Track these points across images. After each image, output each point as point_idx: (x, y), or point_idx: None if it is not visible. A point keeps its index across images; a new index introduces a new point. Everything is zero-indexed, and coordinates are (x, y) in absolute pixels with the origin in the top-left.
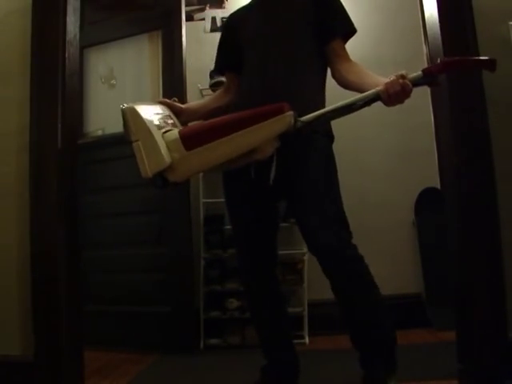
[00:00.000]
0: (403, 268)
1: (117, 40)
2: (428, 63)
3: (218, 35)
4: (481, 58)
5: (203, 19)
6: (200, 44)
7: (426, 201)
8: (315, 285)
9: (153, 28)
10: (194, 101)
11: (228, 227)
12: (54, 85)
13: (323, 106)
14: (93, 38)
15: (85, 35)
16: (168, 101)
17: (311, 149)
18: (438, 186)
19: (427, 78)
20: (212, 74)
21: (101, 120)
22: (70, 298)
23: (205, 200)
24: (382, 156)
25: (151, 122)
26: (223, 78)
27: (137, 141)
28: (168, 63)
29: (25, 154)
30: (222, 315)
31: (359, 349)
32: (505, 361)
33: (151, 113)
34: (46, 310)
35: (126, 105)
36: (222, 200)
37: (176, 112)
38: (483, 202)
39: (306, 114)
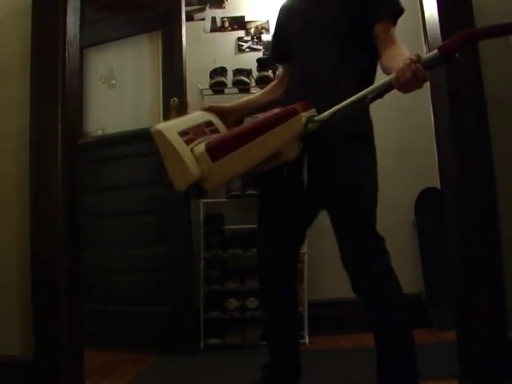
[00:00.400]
0: (403, 268)
1: (117, 40)
2: None
3: (218, 35)
4: (501, 23)
5: (203, 19)
6: (200, 44)
7: (426, 201)
8: (315, 285)
9: (153, 28)
10: (194, 101)
11: (228, 227)
12: (54, 85)
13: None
14: (93, 38)
15: (85, 35)
16: (213, 105)
17: (336, 158)
18: (438, 186)
19: (444, 57)
20: (212, 74)
21: (101, 120)
22: (69, 298)
23: (205, 200)
24: (382, 156)
25: (177, 139)
26: (223, 78)
27: (165, 159)
28: (168, 63)
29: (25, 153)
30: (221, 315)
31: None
32: (505, 361)
33: (182, 127)
34: (46, 310)
35: (154, 127)
36: (222, 200)
37: (225, 113)
38: (483, 202)
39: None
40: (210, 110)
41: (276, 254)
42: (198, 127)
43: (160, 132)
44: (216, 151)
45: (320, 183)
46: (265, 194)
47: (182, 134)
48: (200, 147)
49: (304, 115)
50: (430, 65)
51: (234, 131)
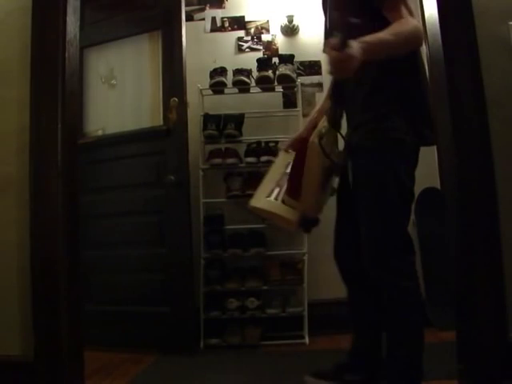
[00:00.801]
0: None
1: (117, 40)
2: (428, 63)
3: (218, 35)
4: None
5: (203, 19)
6: (200, 44)
7: (426, 201)
8: (315, 285)
9: (153, 28)
10: (194, 101)
11: (228, 227)
12: (54, 85)
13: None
14: (93, 38)
15: (85, 35)
16: (294, 141)
17: (357, 167)
18: (438, 186)
19: (342, 32)
20: (212, 74)
21: (101, 120)
22: (69, 298)
23: (205, 200)
24: None
25: (269, 203)
26: (223, 78)
27: (270, 219)
28: (168, 63)
29: (25, 153)
30: (221, 315)
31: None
32: (505, 361)
33: (268, 187)
34: (46, 310)
35: (249, 204)
36: (222, 200)
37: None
38: (483, 201)
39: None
40: (293, 147)
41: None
42: (281, 179)
43: (254, 207)
44: (293, 194)
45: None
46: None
47: (270, 194)
48: (284, 196)
49: (314, 137)
50: (341, 45)
51: (289, 178)
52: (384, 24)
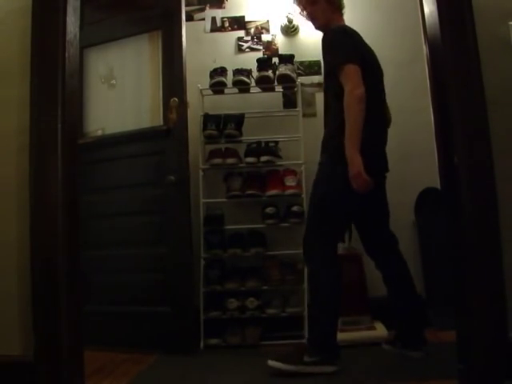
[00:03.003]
0: None
1: (117, 40)
2: (428, 63)
3: (218, 35)
4: None
5: (203, 19)
6: (200, 44)
7: (426, 201)
8: None
9: (153, 28)
10: (194, 100)
11: (228, 227)
12: (54, 85)
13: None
14: (93, 38)
15: (85, 35)
16: None
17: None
18: (438, 186)
19: None
20: (212, 74)
21: (101, 120)
22: (69, 298)
23: (205, 200)
24: None
25: None
26: (223, 78)
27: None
28: (168, 63)
29: (25, 154)
30: (221, 315)
31: None
32: (505, 361)
33: None
34: (46, 310)
35: None
36: (222, 200)
37: None
38: (483, 201)
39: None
40: None
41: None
42: None
43: None
44: None
45: None
46: None
47: None
48: None
49: None
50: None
51: None
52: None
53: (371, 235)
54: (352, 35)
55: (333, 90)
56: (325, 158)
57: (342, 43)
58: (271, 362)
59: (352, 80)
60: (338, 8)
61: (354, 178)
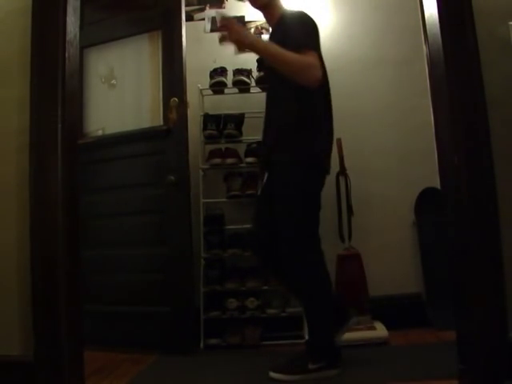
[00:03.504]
0: (403, 268)
1: (117, 40)
2: (428, 63)
3: (218, 35)
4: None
5: (203, 19)
6: (200, 44)
7: (426, 201)
8: None
9: (153, 28)
10: (194, 100)
11: (228, 227)
12: (54, 85)
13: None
14: (93, 38)
15: (85, 35)
16: None
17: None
18: (438, 186)
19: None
20: (212, 74)
21: (101, 120)
22: (70, 298)
23: (205, 200)
24: (383, 156)
25: None
26: (223, 78)
27: None
28: (168, 63)
29: (25, 153)
30: (221, 315)
31: None
32: (505, 361)
33: None
34: (45, 311)
35: None
36: (222, 200)
37: None
38: (483, 201)
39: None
40: None
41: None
42: None
43: None
44: None
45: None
46: None
47: None
48: None
49: None
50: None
51: None
52: None
53: None
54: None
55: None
56: (289, 158)
57: (314, 33)
58: (274, 375)
59: (316, 61)
60: None
61: (240, 35)
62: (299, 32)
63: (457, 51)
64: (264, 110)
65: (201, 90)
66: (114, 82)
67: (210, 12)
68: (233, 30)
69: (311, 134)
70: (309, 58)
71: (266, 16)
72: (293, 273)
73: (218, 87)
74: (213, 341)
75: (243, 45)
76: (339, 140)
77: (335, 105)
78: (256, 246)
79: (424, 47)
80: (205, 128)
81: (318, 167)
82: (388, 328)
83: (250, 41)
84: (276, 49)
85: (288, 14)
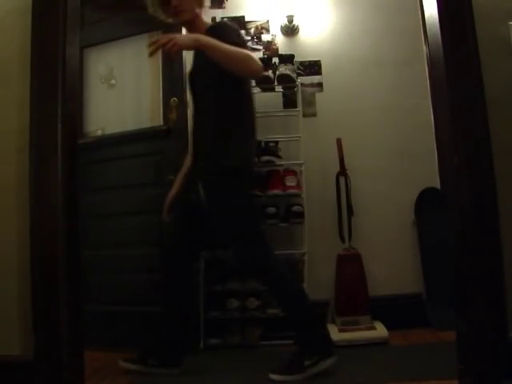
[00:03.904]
0: (403, 268)
1: (117, 40)
2: (428, 63)
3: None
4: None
5: None
6: None
7: (426, 201)
8: (315, 285)
9: (153, 28)
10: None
11: None
12: (54, 85)
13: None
14: (93, 38)
15: (85, 35)
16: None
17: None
18: (438, 186)
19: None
20: None
21: (101, 120)
22: (69, 298)
23: None
24: (383, 156)
25: None
26: None
27: None
28: (168, 63)
29: (25, 153)
30: (222, 315)
31: None
32: (505, 361)
33: None
34: (46, 310)
35: None
36: None
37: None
38: (483, 201)
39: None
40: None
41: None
42: None
43: None
44: None
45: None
46: None
47: None
48: None
49: None
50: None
51: None
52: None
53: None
54: None
55: (221, 80)
56: (230, 165)
57: (244, 39)
58: (275, 376)
59: (254, 56)
60: (204, 4)
61: (190, 40)
62: (232, 37)
63: (457, 51)
64: (264, 110)
65: None
66: (113, 81)
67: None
68: (175, 38)
69: (243, 140)
70: (249, 52)
71: (190, 30)
72: (266, 278)
73: None
74: (213, 341)
75: (198, 44)
76: (339, 140)
77: (336, 105)
78: (167, 258)
79: (424, 47)
80: None
81: (249, 172)
82: (388, 328)
83: (203, 38)
84: (222, 43)
85: (213, 25)
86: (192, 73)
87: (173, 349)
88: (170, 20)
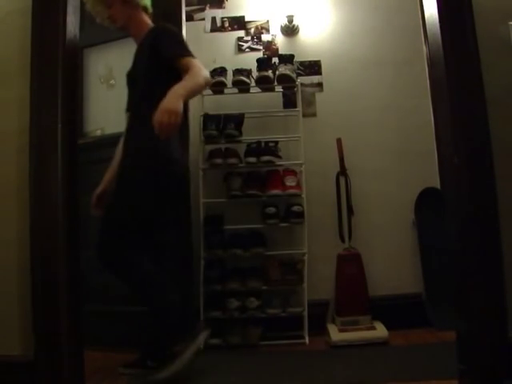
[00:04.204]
0: (403, 268)
1: (117, 40)
2: (428, 63)
3: (218, 35)
4: None
5: (203, 19)
6: (200, 44)
7: (426, 201)
8: (315, 285)
9: None
10: (194, 100)
11: (228, 227)
12: (54, 85)
13: None
14: (93, 38)
15: (85, 35)
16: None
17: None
18: (438, 186)
19: None
20: (212, 74)
21: (100, 120)
22: (69, 299)
23: (205, 200)
24: (383, 156)
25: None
26: (223, 78)
27: None
28: None
29: (25, 154)
30: (222, 315)
31: None
32: (505, 361)
33: None
34: (45, 311)
35: None
36: (222, 200)
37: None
38: (483, 202)
39: None
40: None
41: None
42: None
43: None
44: None
45: None
46: None
47: None
48: None
49: None
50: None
51: None
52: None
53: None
54: None
55: (155, 87)
56: (153, 163)
57: (184, 41)
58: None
59: (201, 65)
60: (137, 5)
61: (178, 103)
62: (176, 42)
63: (457, 51)
64: (264, 110)
65: None
66: (113, 82)
67: (210, 12)
68: (170, 113)
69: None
70: (196, 64)
71: (130, 33)
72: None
73: (217, 87)
74: (213, 341)
75: (183, 102)
76: (339, 140)
77: (336, 105)
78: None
79: (424, 47)
80: (205, 128)
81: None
82: (388, 328)
83: (182, 93)
84: (191, 86)
85: (155, 28)
86: (129, 74)
87: (166, 347)
88: (106, 23)
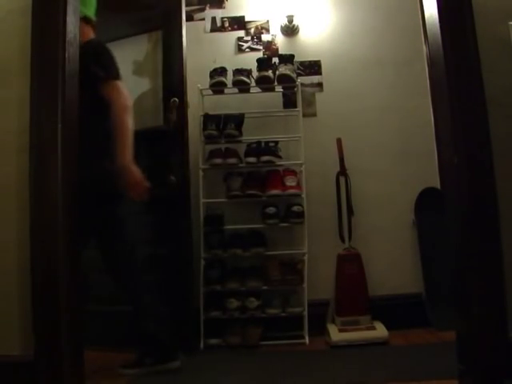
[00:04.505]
0: (403, 268)
1: (117, 40)
2: (428, 63)
3: (218, 35)
4: None
5: (203, 19)
6: (200, 44)
7: (426, 201)
8: (315, 285)
9: (153, 28)
10: (194, 100)
11: (228, 227)
12: (54, 85)
13: None
14: None
15: None
16: None
17: None
18: (438, 186)
19: None
20: (212, 74)
21: None
22: (69, 298)
23: (205, 200)
24: (383, 156)
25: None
26: (223, 78)
27: None
28: (168, 63)
29: (25, 154)
30: (221, 315)
31: None
32: (505, 361)
33: None
34: (45, 310)
35: None
36: (222, 200)
37: None
38: (483, 201)
39: None
40: None
41: None
42: None
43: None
44: None
45: None
46: None
47: None
48: None
49: None
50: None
51: None
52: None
53: None
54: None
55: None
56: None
57: (112, 58)
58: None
59: (123, 92)
60: (84, 20)
61: (136, 186)
62: (100, 65)
63: (457, 51)
64: (264, 110)
65: (201, 90)
66: None
67: (210, 12)
68: (136, 184)
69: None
70: (120, 107)
71: None
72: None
73: (217, 87)
74: (213, 341)
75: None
76: (339, 140)
77: (336, 105)
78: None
79: (424, 47)
80: (205, 128)
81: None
82: (388, 328)
83: (126, 162)
84: (125, 142)
85: (87, 47)
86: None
87: (162, 343)
88: None
